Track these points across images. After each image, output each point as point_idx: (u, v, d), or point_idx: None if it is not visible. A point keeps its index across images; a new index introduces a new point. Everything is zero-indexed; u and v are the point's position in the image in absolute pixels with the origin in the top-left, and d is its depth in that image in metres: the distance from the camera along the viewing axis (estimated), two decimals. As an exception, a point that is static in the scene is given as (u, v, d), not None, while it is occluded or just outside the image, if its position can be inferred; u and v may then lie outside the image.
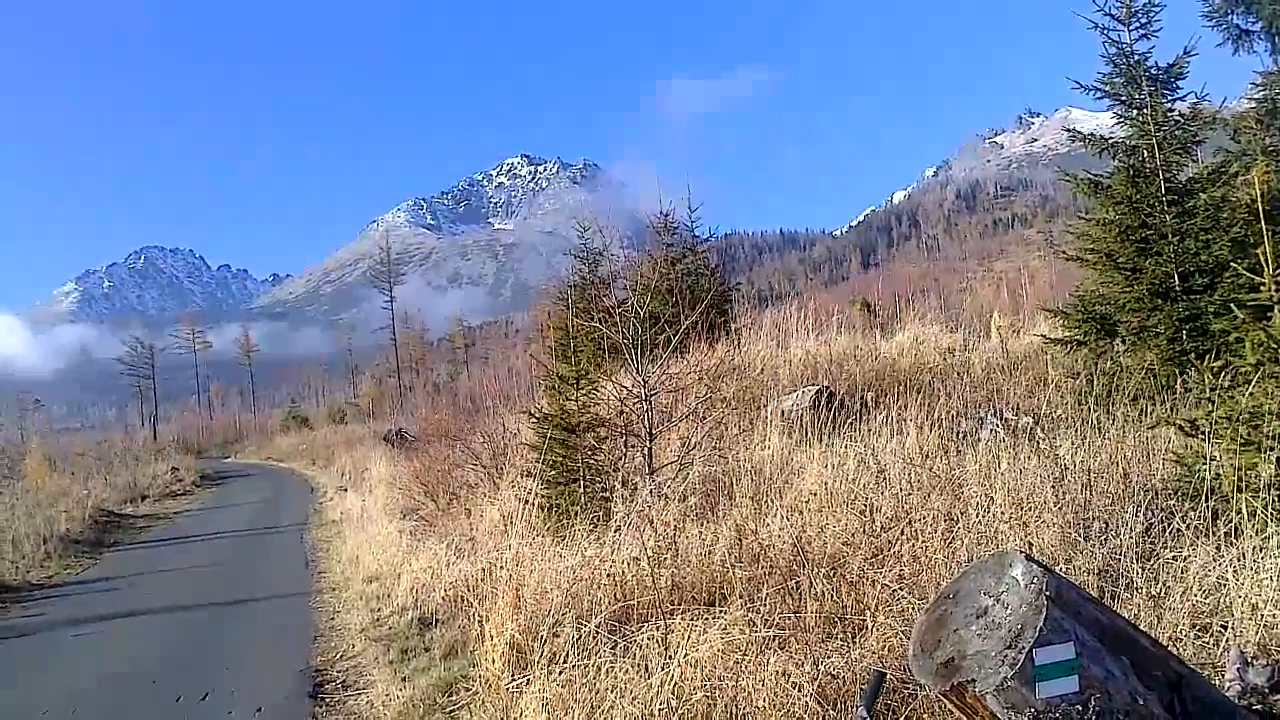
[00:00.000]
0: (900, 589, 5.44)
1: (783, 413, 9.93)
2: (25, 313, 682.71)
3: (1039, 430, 7.84)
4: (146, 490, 31.31)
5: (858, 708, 2.78)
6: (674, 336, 9.93)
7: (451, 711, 6.83)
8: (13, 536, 17.51)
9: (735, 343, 13.46)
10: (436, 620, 9.28)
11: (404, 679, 7.85)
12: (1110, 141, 10.42)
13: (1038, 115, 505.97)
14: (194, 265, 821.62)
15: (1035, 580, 2.83)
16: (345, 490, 23.51)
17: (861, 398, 9.87)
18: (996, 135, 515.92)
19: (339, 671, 8.77)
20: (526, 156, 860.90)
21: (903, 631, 5.02)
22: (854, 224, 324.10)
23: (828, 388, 10.65)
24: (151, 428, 72.25)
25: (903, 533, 6.07)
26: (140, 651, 10.22)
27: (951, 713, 3.87)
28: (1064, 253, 11.76)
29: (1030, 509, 6.11)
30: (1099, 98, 10.43)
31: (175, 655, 9.92)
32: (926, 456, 7.50)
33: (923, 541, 5.88)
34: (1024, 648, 2.71)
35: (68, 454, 44.06)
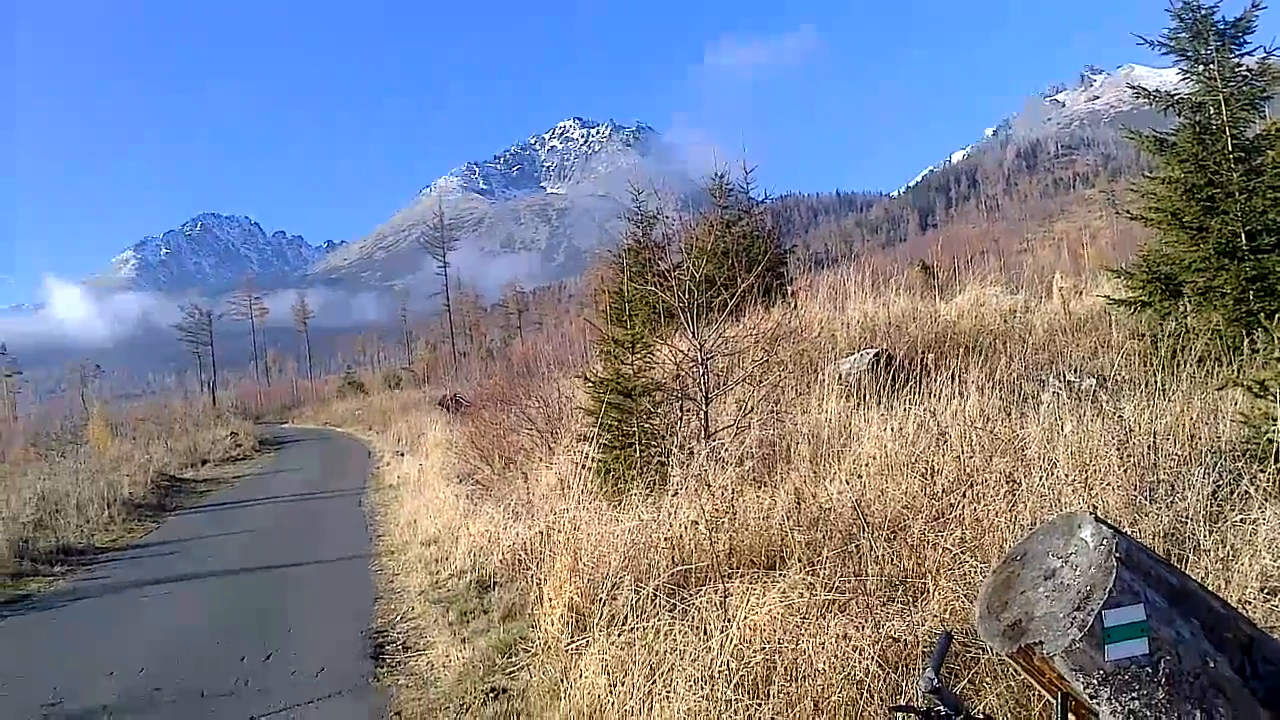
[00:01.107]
0: (962, 552, 5.40)
1: (840, 376, 9.87)
2: (85, 281, 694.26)
3: (1102, 392, 7.72)
4: (206, 455, 31.84)
5: (925, 669, 2.75)
6: (730, 300, 9.88)
7: (511, 672, 6.89)
8: (77, 501, 17.86)
9: (792, 305, 13.37)
10: (495, 583, 9.35)
11: (463, 640, 7.93)
12: (1175, 98, 10.19)
13: (1100, 72, 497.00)
14: (250, 232, 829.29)
15: (1105, 542, 2.79)
16: (402, 455, 23.72)
17: (921, 360, 9.77)
18: (1058, 93, 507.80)
19: (399, 633, 8.89)
20: (579, 119, 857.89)
21: (965, 595, 5.00)
22: (912, 185, 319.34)
23: (886, 350, 10.57)
24: (210, 394, 73.20)
25: (964, 496, 6.01)
26: (204, 614, 10.42)
27: (1017, 674, 3.85)
28: (1127, 212, 11.55)
29: (1094, 471, 6.03)
30: (1164, 53, 10.19)
31: (238, 617, 10.11)
32: (988, 419, 7.43)
33: (985, 505, 5.83)
34: (1093, 609, 2.67)
35: (129, 420, 44.83)
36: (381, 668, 7.84)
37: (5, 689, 8.06)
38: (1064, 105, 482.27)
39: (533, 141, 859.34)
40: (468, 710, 6.51)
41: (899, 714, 3.59)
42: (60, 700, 7.61)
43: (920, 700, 3.05)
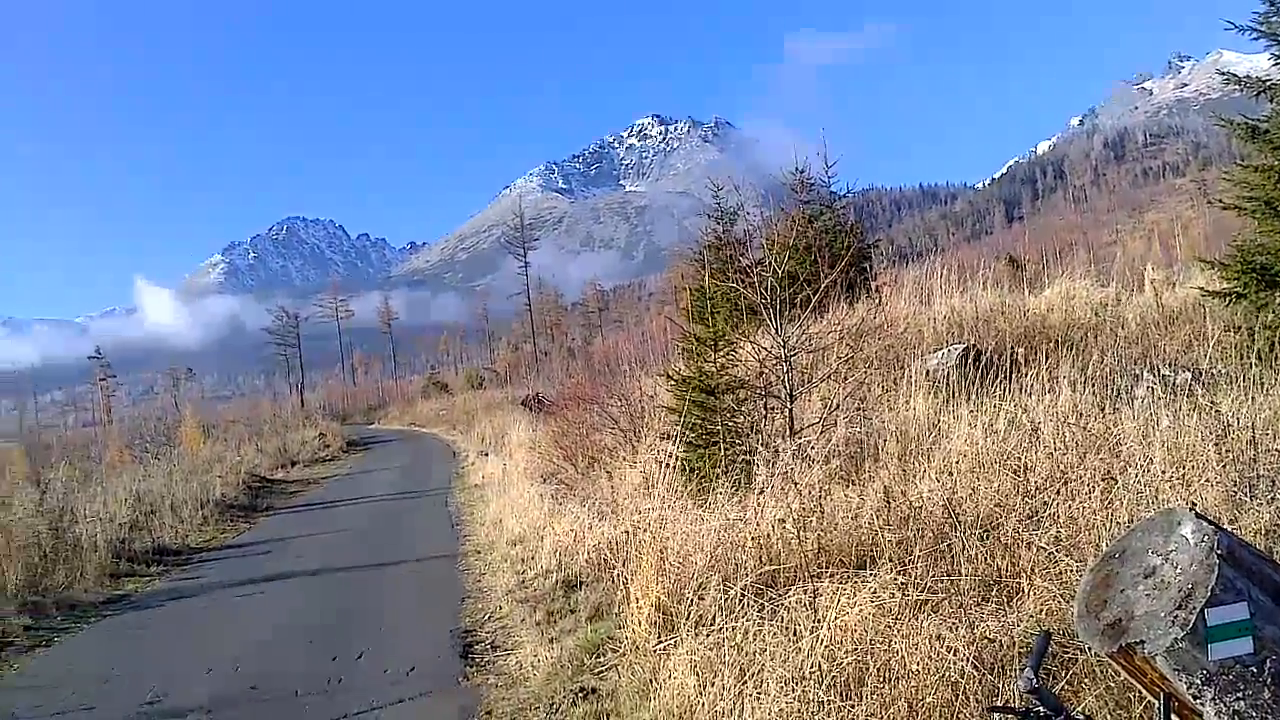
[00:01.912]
0: (1057, 551, 5.31)
1: (928, 372, 9.75)
2: (176, 286, 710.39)
3: (1198, 386, 7.56)
4: (296, 456, 32.44)
5: (1023, 669, 2.71)
6: (813, 295, 9.80)
7: (599, 672, 6.92)
8: (171, 502, 18.30)
9: (876, 301, 13.22)
10: (581, 582, 9.40)
11: (551, 640, 7.96)
12: (1268, 84, 9.93)
13: (1188, 59, 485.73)
14: (334, 235, 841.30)
15: (1206, 538, 2.74)
16: (486, 455, 23.91)
17: (1011, 356, 9.59)
18: (1145, 81, 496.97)
19: (487, 632, 8.97)
20: (657, 116, 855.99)
21: (1060, 595, 4.92)
22: (996, 177, 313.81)
23: (974, 345, 10.41)
24: (299, 395, 74.50)
25: (1058, 493, 5.91)
26: (297, 612, 10.61)
27: (1117, 675, 3.78)
28: (1219, 201, 11.26)
29: (1192, 467, 5.90)
30: (1254, 38, 9.94)
31: (329, 616, 10.29)
32: (1080, 415, 7.29)
33: (1079, 502, 5.72)
34: (1195, 608, 2.62)
35: (220, 422, 45.84)
36: (471, 667, 7.92)
37: (105, 687, 8.28)
38: (1151, 93, 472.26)
39: (611, 140, 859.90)
40: (557, 710, 6.54)
41: (997, 714, 3.55)
42: (159, 698, 7.78)
43: (1019, 701, 3.01)
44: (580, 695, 6.58)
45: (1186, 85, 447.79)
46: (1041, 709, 2.65)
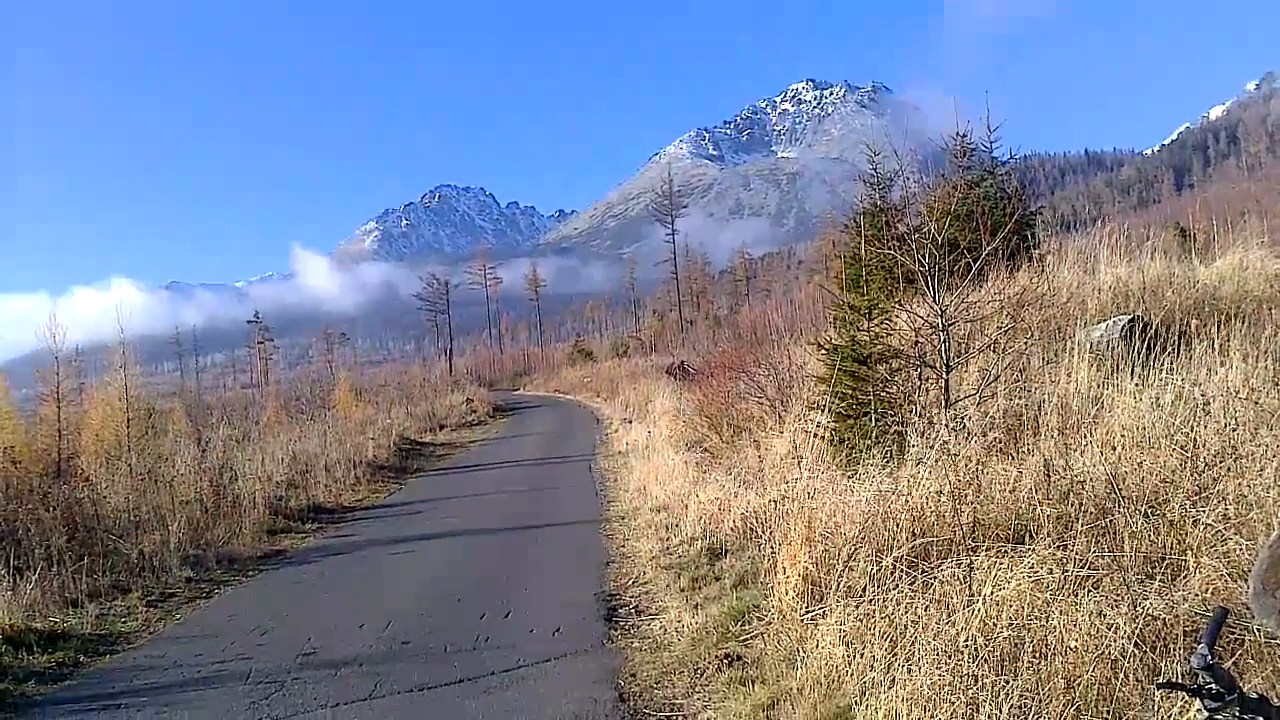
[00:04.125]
0: (1226, 529, 5.12)
1: (1091, 344, 9.44)
2: (331, 252, 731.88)
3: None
4: (444, 420, 33.37)
5: (1198, 646, 2.61)
6: (973, 264, 9.55)
7: (745, 640, 6.95)
8: (325, 462, 19.03)
9: (1039, 270, 12.81)
10: (725, 550, 9.45)
11: (695, 606, 8.04)
12: None
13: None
14: (484, 203, 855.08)
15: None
16: (630, 422, 24.14)
17: (1180, 328, 9.21)
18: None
19: (631, 597, 9.10)
20: (811, 81, 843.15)
21: (1228, 574, 4.78)
22: (1166, 143, 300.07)
23: (1141, 317, 10.04)
24: (447, 361, 76.03)
25: (1228, 470, 5.68)
26: (444, 571, 10.93)
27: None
28: None
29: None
30: None
31: (476, 576, 10.57)
32: (1252, 390, 6.97)
33: (1250, 479, 5.49)
34: (1381, 592, 2.50)
35: (372, 386, 47.29)
36: (615, 630, 8.05)
37: (262, 638, 8.64)
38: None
39: (764, 105, 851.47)
40: (702, 675, 6.60)
41: (1166, 691, 3.45)
42: (315, 650, 8.08)
43: (1189, 678, 2.92)
44: (725, 661, 6.62)
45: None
46: (1214, 686, 2.56)
